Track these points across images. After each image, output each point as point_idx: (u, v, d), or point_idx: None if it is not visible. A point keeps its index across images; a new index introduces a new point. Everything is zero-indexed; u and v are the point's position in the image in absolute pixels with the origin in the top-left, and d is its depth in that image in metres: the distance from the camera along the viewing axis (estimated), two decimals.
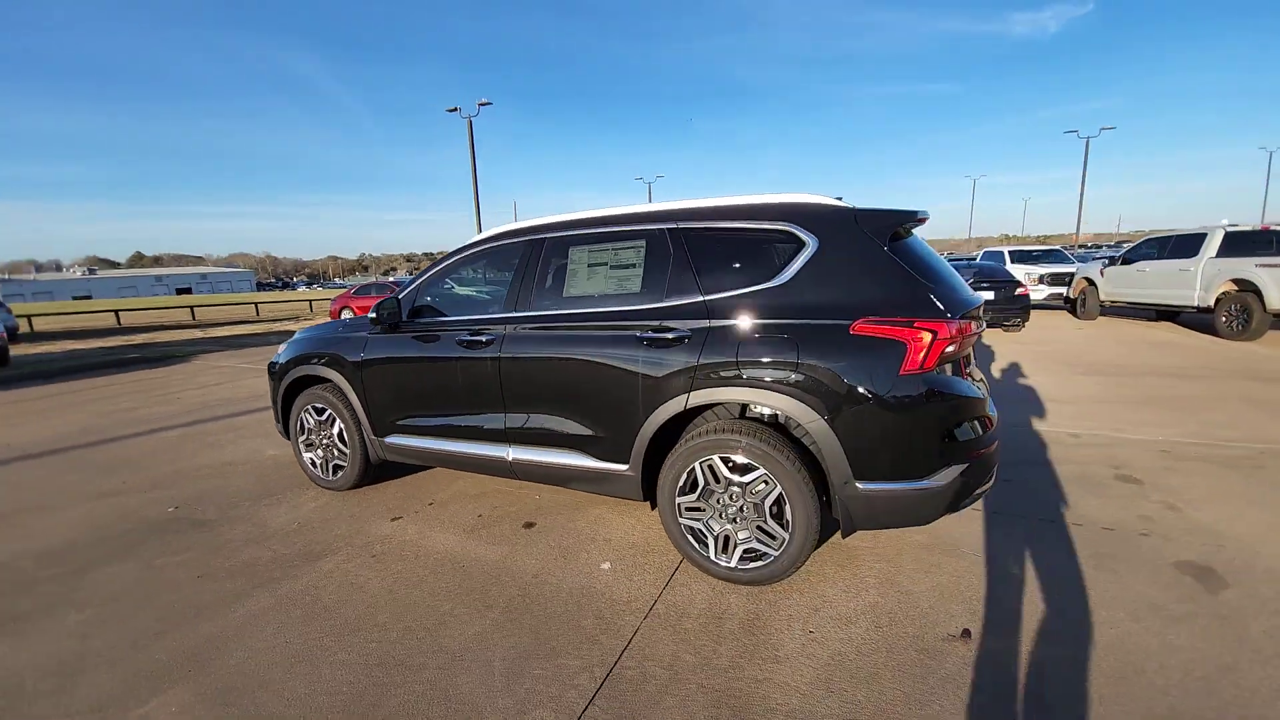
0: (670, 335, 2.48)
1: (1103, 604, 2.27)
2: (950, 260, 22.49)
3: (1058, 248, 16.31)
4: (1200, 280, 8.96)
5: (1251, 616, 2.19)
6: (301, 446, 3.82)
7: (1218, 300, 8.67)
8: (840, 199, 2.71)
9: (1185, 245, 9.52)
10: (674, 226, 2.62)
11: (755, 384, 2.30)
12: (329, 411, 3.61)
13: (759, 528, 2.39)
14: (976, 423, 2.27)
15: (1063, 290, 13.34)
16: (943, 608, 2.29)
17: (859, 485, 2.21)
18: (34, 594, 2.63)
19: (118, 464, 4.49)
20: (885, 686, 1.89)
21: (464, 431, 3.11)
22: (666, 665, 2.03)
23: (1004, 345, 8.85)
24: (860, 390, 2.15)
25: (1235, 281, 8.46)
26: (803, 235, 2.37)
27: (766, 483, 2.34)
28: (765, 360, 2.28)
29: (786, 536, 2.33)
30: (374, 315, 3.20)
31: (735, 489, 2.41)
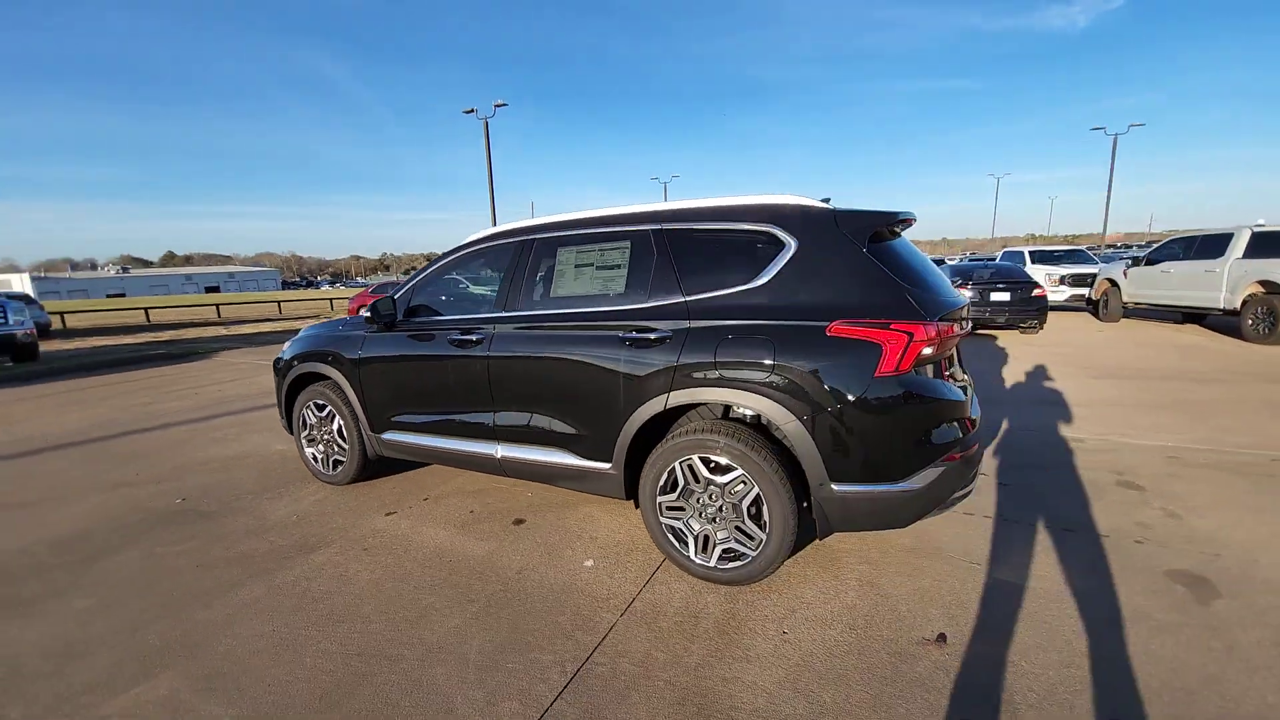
0: (652, 336, 2.50)
1: (1085, 612, 2.23)
2: (970, 260, 22.11)
3: (1080, 248, 15.90)
4: (1226, 282, 8.69)
5: (1243, 627, 2.14)
6: (304, 441, 3.92)
7: (1244, 302, 8.39)
8: (828, 200, 2.70)
9: (1211, 245, 9.24)
10: (658, 228, 2.63)
11: (733, 385, 2.31)
12: (329, 408, 3.70)
13: (737, 528, 2.40)
14: (955, 425, 2.25)
15: (1085, 291, 13.00)
16: (921, 611, 2.27)
17: (835, 487, 2.20)
18: (45, 579, 2.75)
19: (132, 457, 4.65)
20: (853, 688, 1.88)
21: (455, 428, 3.17)
22: (637, 662, 2.05)
23: (1018, 347, 8.68)
24: (836, 392, 2.15)
25: (1262, 283, 8.19)
26: (783, 236, 2.37)
27: (744, 483, 2.34)
28: (743, 361, 2.29)
29: (764, 537, 2.33)
30: (368, 314, 3.27)
31: (714, 489, 2.42)
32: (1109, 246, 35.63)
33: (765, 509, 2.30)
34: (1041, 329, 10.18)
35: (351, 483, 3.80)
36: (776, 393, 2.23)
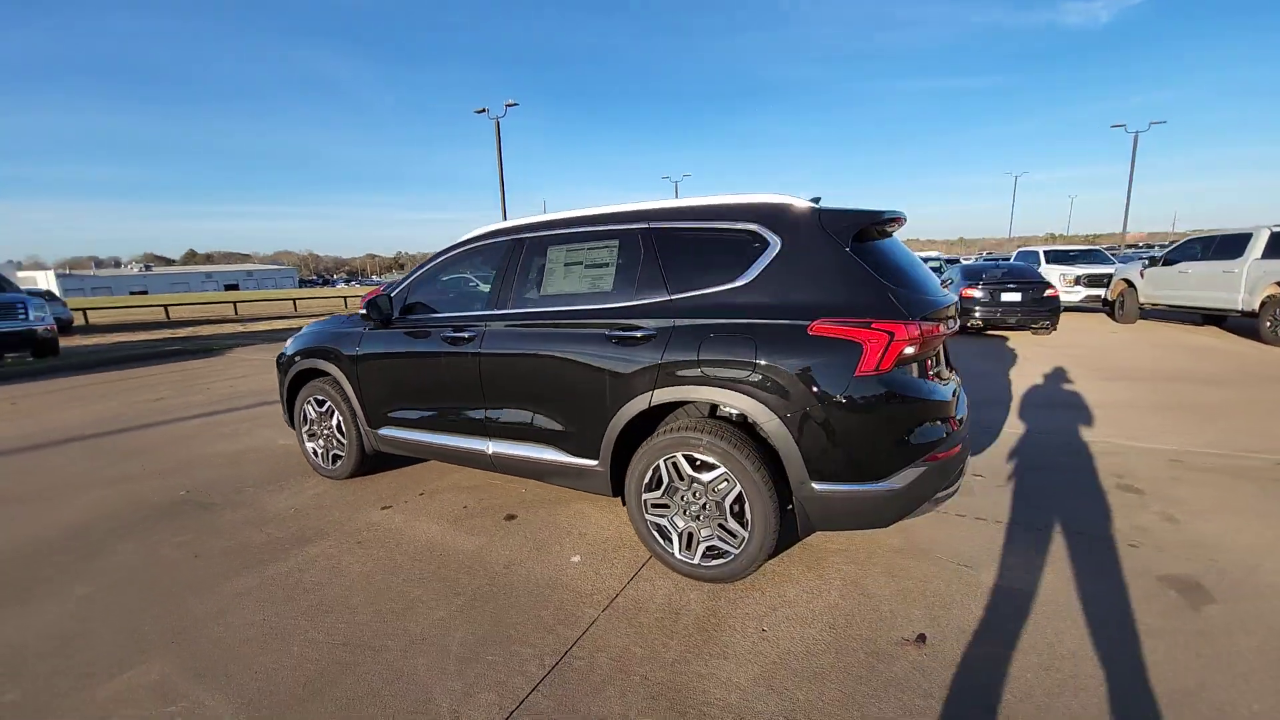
0: (638, 334, 2.51)
1: (1071, 615, 2.21)
2: (986, 260, 21.77)
3: (1096, 248, 15.62)
4: (1244, 282, 8.48)
5: (1234, 634, 2.10)
6: (304, 436, 3.99)
7: (1262, 304, 8.19)
8: (818, 199, 2.69)
9: (1230, 246, 9.03)
10: (645, 226, 2.64)
11: (715, 383, 2.32)
12: (329, 403, 3.76)
13: (720, 525, 2.40)
14: (938, 425, 2.23)
15: (1101, 292, 12.76)
16: (903, 612, 2.26)
17: (815, 486, 2.20)
18: (50, 568, 2.83)
19: (141, 450, 4.76)
20: (827, 687, 1.88)
21: (448, 425, 3.21)
22: (615, 657, 2.07)
23: (1029, 348, 8.55)
24: (817, 391, 2.15)
25: None
26: (767, 235, 2.37)
27: (727, 481, 2.35)
28: (725, 359, 2.29)
29: (746, 535, 2.33)
30: (364, 311, 3.32)
31: (698, 487, 2.43)
32: (1130, 246, 34.90)
33: (747, 507, 2.31)
34: (1054, 330, 10.03)
35: (350, 477, 3.86)
36: (758, 391, 2.23)
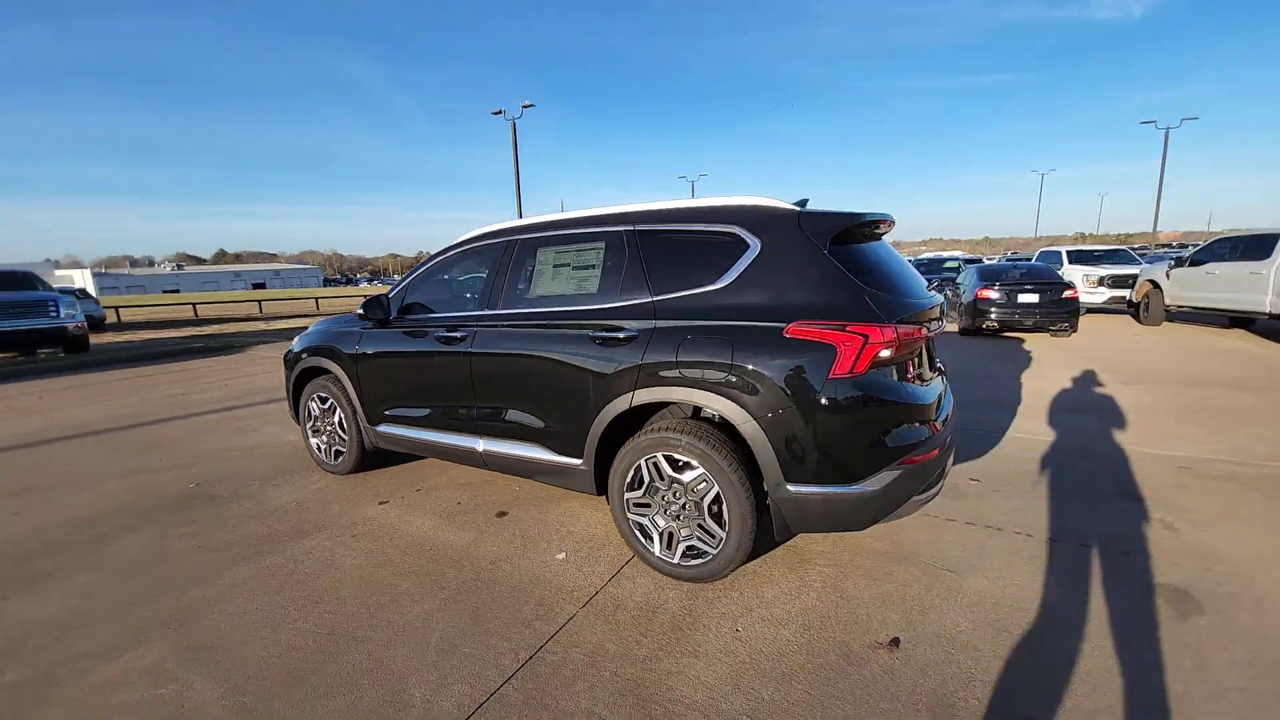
0: (620, 335, 2.54)
1: (1050, 622, 2.18)
2: (1008, 261, 21.30)
3: (1122, 248, 15.18)
4: (1273, 284, 8.18)
5: (1220, 646, 2.05)
6: (309, 432, 4.10)
7: None
8: (806, 201, 2.69)
9: (1257, 246, 8.71)
10: (631, 228, 2.67)
11: (694, 384, 2.33)
12: (331, 400, 3.87)
13: (699, 526, 2.42)
14: (915, 427, 2.22)
15: (1126, 293, 12.41)
16: (880, 615, 2.26)
17: (790, 487, 2.20)
18: (59, 556, 2.97)
19: (158, 444, 4.94)
20: (794, 687, 1.89)
21: (441, 422, 3.28)
22: (588, 652, 2.10)
23: (1046, 350, 8.38)
24: (791, 392, 2.15)
25: None
26: (747, 238, 2.38)
27: (706, 482, 2.36)
28: (703, 361, 2.31)
29: (724, 536, 2.35)
30: (361, 311, 3.41)
31: (678, 487, 2.45)
32: (1162, 246, 33.85)
33: (725, 508, 2.32)
34: (1074, 332, 9.79)
35: (352, 473, 3.96)
36: (734, 392, 2.25)
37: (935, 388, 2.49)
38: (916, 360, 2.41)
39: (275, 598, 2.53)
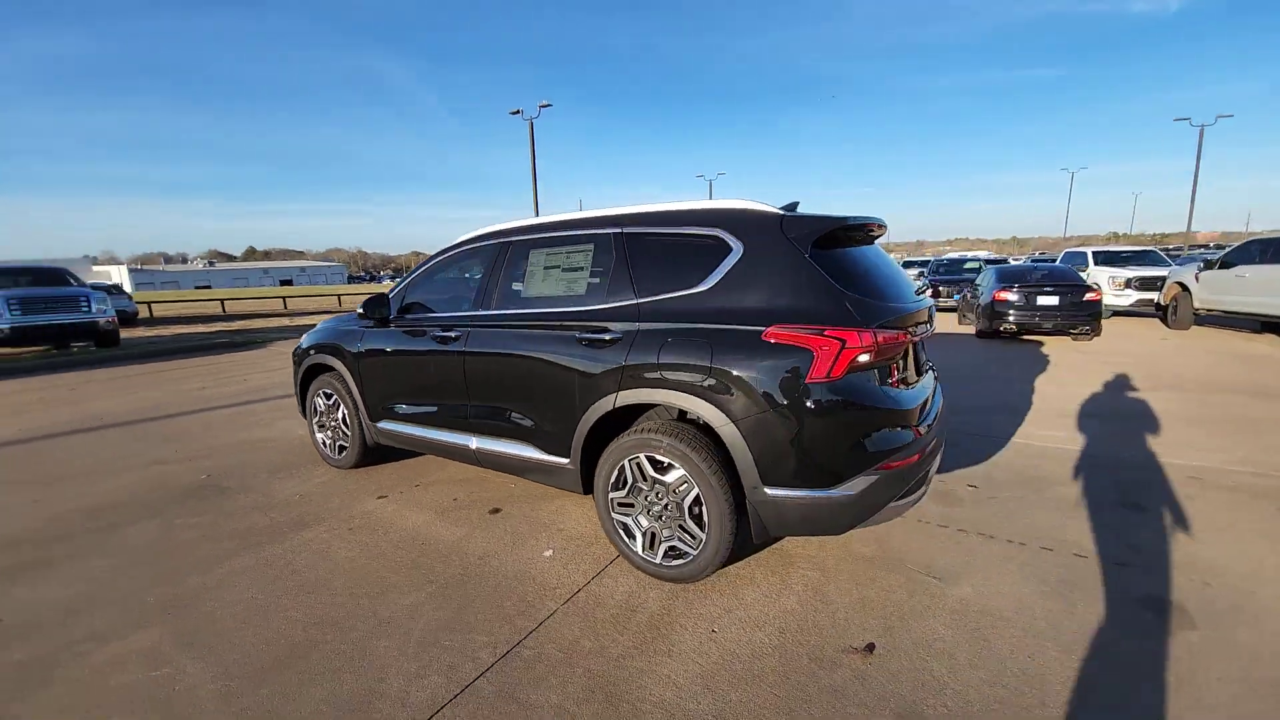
0: (605, 336, 2.57)
1: (1032, 633, 2.15)
2: (1032, 261, 20.78)
3: (1151, 249, 14.72)
4: None
5: (1209, 661, 2.00)
6: (315, 427, 4.21)
7: None
8: (796, 204, 2.69)
9: None
10: (619, 231, 2.70)
11: (675, 386, 2.35)
12: (335, 397, 3.97)
13: (680, 526, 2.44)
14: (895, 432, 2.21)
15: (1154, 296, 12.03)
16: (858, 621, 2.25)
17: (767, 490, 2.21)
18: (73, 543, 3.10)
19: (175, 436, 5.12)
20: (762, 690, 1.90)
21: (437, 420, 3.35)
22: (564, 649, 2.14)
23: (1065, 354, 8.18)
24: (768, 396, 2.16)
25: None
26: (730, 241, 2.38)
27: (687, 483, 2.38)
28: (683, 363, 2.32)
29: (704, 537, 2.36)
30: (361, 311, 3.49)
31: (660, 488, 2.47)
32: (1197, 247, 32.69)
33: (705, 510, 2.33)
34: (1096, 336, 9.53)
35: (354, 467, 4.06)
36: (714, 394, 2.26)
37: (921, 391, 2.46)
38: (901, 364, 2.40)
39: (270, 587, 2.62)
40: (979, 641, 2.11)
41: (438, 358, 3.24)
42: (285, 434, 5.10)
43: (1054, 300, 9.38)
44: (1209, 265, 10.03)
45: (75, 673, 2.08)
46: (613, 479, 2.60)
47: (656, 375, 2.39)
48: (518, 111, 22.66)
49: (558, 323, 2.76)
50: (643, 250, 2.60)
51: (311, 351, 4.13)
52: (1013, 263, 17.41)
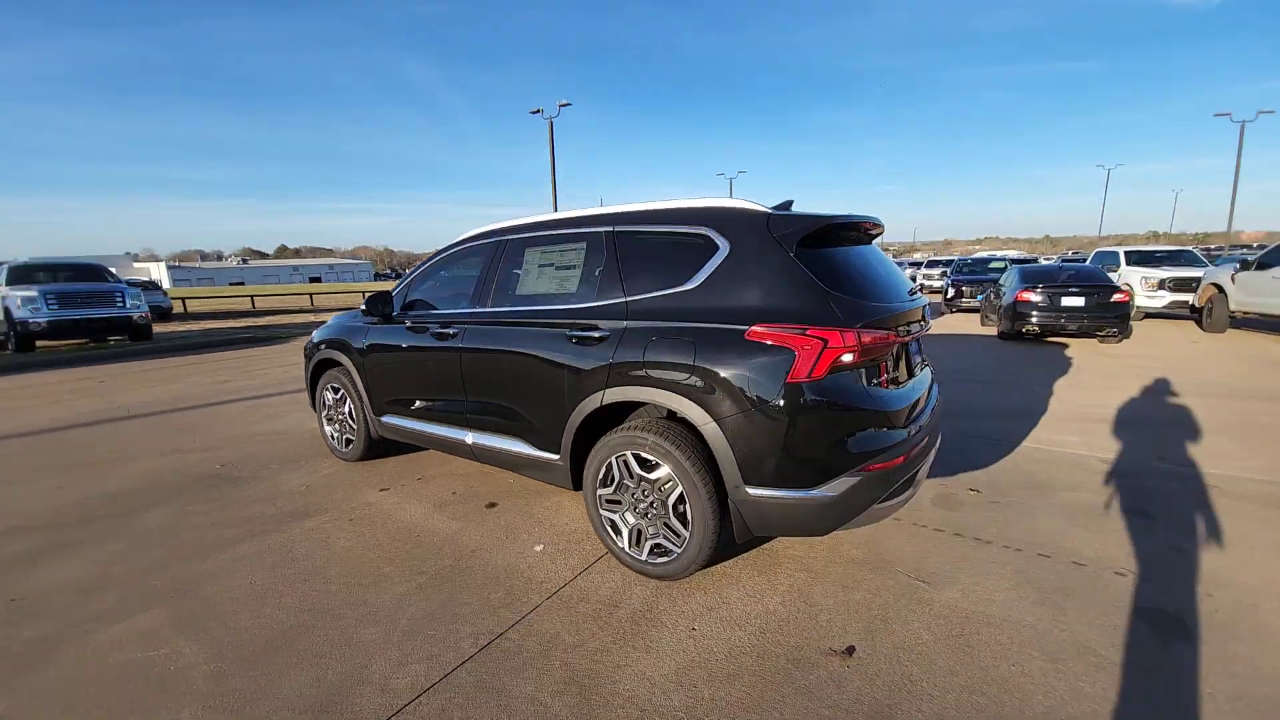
0: (595, 334, 2.59)
1: (1019, 641, 2.10)
2: (1063, 261, 20.15)
3: (1187, 248, 14.17)
4: None
5: (1204, 675, 1.94)
6: (323, 420, 4.32)
7: None
8: (790, 202, 2.67)
9: None
10: (610, 229, 2.71)
11: (659, 385, 2.36)
12: (342, 391, 4.07)
13: (665, 524, 2.45)
14: (879, 433, 2.18)
15: (1188, 298, 11.59)
16: (840, 623, 2.23)
17: (748, 490, 2.20)
18: (89, 527, 3.24)
19: (194, 427, 5.30)
20: (736, 688, 1.90)
21: (436, 415, 3.41)
22: (544, 641, 2.16)
23: (1090, 358, 7.94)
24: (750, 395, 2.15)
25: None
26: (717, 239, 2.38)
27: (672, 481, 2.38)
28: (667, 361, 2.33)
29: (688, 535, 2.36)
30: (365, 307, 3.57)
31: (646, 485, 2.48)
32: (1240, 247, 31.34)
33: (688, 508, 2.34)
34: (1124, 338, 9.23)
35: (360, 460, 4.15)
36: (697, 393, 2.26)
37: (911, 392, 2.43)
38: (890, 364, 2.36)
39: (269, 574, 2.70)
40: (962, 648, 2.08)
41: (436, 354, 3.30)
42: (298, 426, 5.24)
43: (1079, 301, 9.11)
44: (1246, 266, 9.62)
45: (78, 651, 2.17)
46: (601, 475, 2.62)
47: (642, 373, 2.40)
48: (538, 111, 22.83)
49: (550, 320, 2.79)
50: (632, 249, 2.61)
51: (321, 346, 4.24)
52: (1042, 262, 16.94)
